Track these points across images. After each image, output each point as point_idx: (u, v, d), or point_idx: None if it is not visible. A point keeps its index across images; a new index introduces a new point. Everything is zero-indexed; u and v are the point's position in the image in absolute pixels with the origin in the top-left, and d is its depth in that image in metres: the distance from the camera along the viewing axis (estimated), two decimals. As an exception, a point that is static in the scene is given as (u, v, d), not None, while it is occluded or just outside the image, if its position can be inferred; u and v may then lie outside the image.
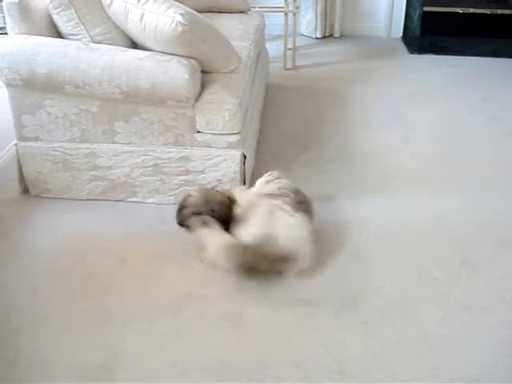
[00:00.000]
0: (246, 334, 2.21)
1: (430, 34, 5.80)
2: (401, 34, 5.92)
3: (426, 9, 5.72)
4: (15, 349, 2.13)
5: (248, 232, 2.40)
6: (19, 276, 2.50)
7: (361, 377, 2.03)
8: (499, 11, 5.69)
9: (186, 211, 2.54)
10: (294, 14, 4.87)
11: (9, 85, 2.75)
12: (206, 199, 2.54)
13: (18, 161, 2.95)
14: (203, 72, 2.83)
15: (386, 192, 3.11)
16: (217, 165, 2.84)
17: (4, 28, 3.17)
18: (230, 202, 2.57)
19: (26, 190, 3.04)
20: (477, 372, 2.04)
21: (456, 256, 2.63)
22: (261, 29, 4.01)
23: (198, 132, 2.78)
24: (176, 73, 2.60)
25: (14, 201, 3.01)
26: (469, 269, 2.55)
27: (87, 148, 2.87)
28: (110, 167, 2.89)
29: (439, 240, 2.72)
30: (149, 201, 2.96)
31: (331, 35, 5.89)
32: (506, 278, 2.49)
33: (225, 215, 2.53)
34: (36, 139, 2.88)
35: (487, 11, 5.65)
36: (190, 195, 2.59)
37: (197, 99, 2.72)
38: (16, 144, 2.92)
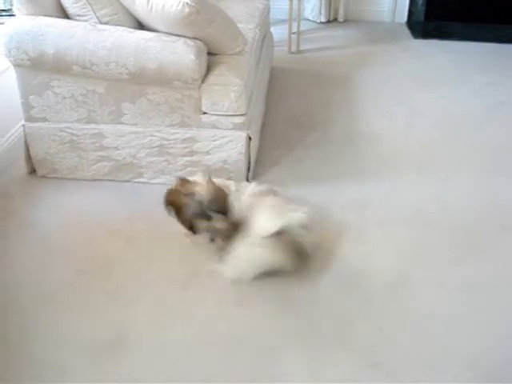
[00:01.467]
0: (252, 310, 2.25)
1: (434, 18, 5.78)
2: (405, 18, 5.90)
3: (431, -6, 5.70)
4: (24, 325, 2.18)
5: (263, 226, 2.33)
6: (27, 254, 2.54)
7: (365, 352, 2.07)
8: (504, -4, 5.67)
9: (191, 207, 2.43)
10: (299, -2, 4.87)
11: (17, 65, 2.77)
12: (215, 198, 2.45)
13: (26, 141, 2.98)
14: (209, 54, 2.85)
15: (388, 175, 3.14)
16: (222, 146, 2.86)
17: (10, 10, 3.18)
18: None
19: (33, 171, 3.07)
20: (475, 350, 2.08)
21: (457, 239, 2.66)
22: (265, 12, 4.02)
23: (204, 113, 2.81)
24: (182, 54, 2.62)
25: (21, 181, 3.05)
26: (470, 252, 2.58)
27: (94, 128, 2.89)
28: (116, 148, 2.92)
29: (441, 223, 2.76)
30: (154, 181, 2.99)
31: (335, 20, 5.88)
32: (507, 262, 2.52)
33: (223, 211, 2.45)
34: (43, 120, 2.90)
35: (492, -4, 5.63)
36: (196, 185, 2.48)
37: (203, 80, 2.75)
38: (24, 125, 2.95)
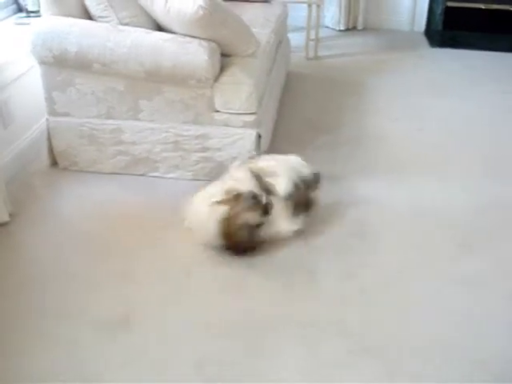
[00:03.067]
0: (250, 297, 2.38)
1: (452, 28, 5.87)
2: (423, 27, 6.01)
3: (450, 4, 5.77)
4: (43, 301, 2.33)
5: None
6: (47, 238, 2.70)
7: (358, 339, 2.18)
8: (522, 8, 5.75)
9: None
10: (318, 6, 5.00)
11: (41, 62, 2.94)
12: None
13: (49, 135, 3.14)
14: (223, 55, 2.99)
15: (395, 176, 3.24)
16: (233, 143, 3.00)
17: (38, 11, 3.35)
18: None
19: (54, 163, 3.23)
20: (471, 341, 2.17)
21: (456, 237, 2.76)
22: (282, 18, 4.16)
23: (217, 111, 2.95)
24: (196, 54, 2.77)
25: (43, 172, 3.22)
26: (467, 249, 2.68)
27: (112, 124, 3.05)
28: (133, 143, 3.08)
29: (442, 222, 2.85)
30: (169, 176, 3.14)
31: (354, 28, 6.01)
32: (502, 258, 2.62)
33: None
34: (65, 115, 3.07)
35: (510, 7, 5.69)
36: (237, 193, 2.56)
37: (216, 80, 2.89)
38: (47, 119, 3.11)
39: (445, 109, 4.14)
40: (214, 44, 2.86)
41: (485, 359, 2.09)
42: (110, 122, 3.05)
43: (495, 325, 2.25)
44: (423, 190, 3.11)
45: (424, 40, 5.75)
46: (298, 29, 5.45)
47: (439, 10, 5.80)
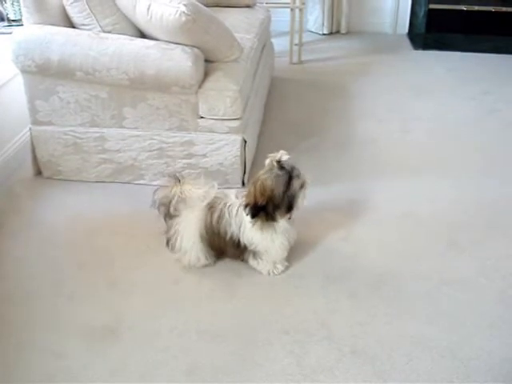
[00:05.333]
0: (240, 304, 2.37)
1: (435, 30, 5.90)
2: (406, 30, 6.05)
3: (432, 6, 5.80)
4: (28, 312, 2.31)
5: None
6: (32, 248, 2.68)
7: (347, 342, 2.17)
8: (503, 9, 5.78)
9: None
10: (300, 10, 5.02)
11: (24, 71, 2.92)
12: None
13: (32, 144, 3.12)
14: (207, 61, 2.99)
15: (382, 178, 3.25)
16: (219, 149, 2.99)
17: (20, 20, 3.34)
18: None
19: (39, 172, 3.21)
20: (457, 341, 2.18)
21: (444, 237, 2.76)
22: (266, 23, 4.16)
23: (201, 117, 2.95)
24: (180, 60, 2.76)
25: (28, 182, 3.20)
26: (455, 249, 2.69)
27: (96, 132, 3.03)
28: (117, 151, 3.06)
29: (430, 223, 2.86)
30: (154, 183, 3.12)
31: (338, 31, 6.03)
32: (490, 258, 2.62)
33: None
34: (49, 123, 3.05)
35: (491, 9, 5.73)
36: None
37: (200, 86, 2.89)
38: (30, 128, 3.09)
39: (429, 110, 4.16)
40: (197, 50, 2.86)
41: (472, 358, 2.09)
42: (94, 130, 3.03)
43: (483, 324, 2.25)
44: (410, 191, 3.12)
45: (407, 42, 5.78)
46: (281, 34, 5.46)
47: (422, 13, 5.83)
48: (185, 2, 2.73)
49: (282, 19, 5.40)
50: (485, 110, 4.17)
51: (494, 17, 5.74)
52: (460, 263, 2.59)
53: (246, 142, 3.01)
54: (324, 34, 5.94)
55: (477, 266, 2.57)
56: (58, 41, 2.83)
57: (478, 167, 3.39)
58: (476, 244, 2.72)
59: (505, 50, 5.46)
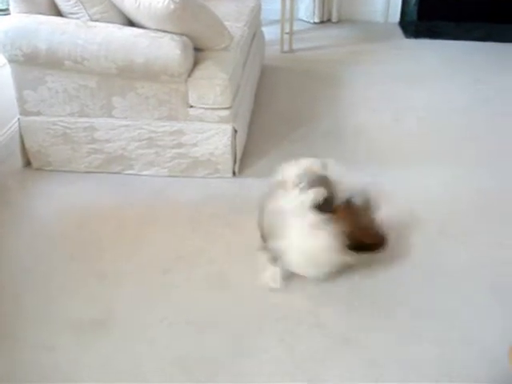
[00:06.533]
0: (231, 294, 2.35)
1: (426, 19, 5.89)
2: (398, 18, 6.03)
3: (423, -6, 5.81)
4: (19, 304, 2.29)
5: None
6: (22, 240, 2.66)
7: (338, 329, 2.17)
8: (495, -4, 5.79)
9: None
10: (291, -1, 5.00)
11: (11, 61, 2.89)
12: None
13: (21, 135, 3.09)
14: (196, 49, 2.96)
15: (373, 167, 3.23)
16: (209, 138, 2.97)
17: (7, 10, 3.30)
18: None
19: (28, 163, 3.18)
20: (448, 329, 2.18)
21: (436, 226, 2.76)
22: (256, 11, 4.13)
23: (191, 106, 2.92)
24: (169, 48, 2.74)
25: (17, 173, 3.17)
26: (446, 237, 2.68)
27: (86, 122, 3.01)
28: (107, 140, 3.04)
29: (422, 211, 2.85)
30: (144, 173, 3.11)
31: (329, 20, 6.01)
32: (480, 247, 2.62)
33: None
34: (37, 114, 3.02)
35: (483, -4, 5.75)
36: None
37: (189, 75, 2.86)
38: (19, 118, 3.06)
39: (421, 99, 4.15)
40: (186, 38, 2.83)
41: (463, 345, 2.09)
42: (83, 120, 3.00)
43: (474, 312, 2.24)
44: (402, 180, 3.10)
45: (399, 31, 5.77)
46: (272, 22, 5.43)
47: (413, 1, 5.82)
48: (173, -10, 2.70)
49: (272, 8, 5.37)
50: (477, 98, 4.17)
51: (486, 4, 5.72)
52: (451, 251, 2.59)
53: (236, 131, 3.00)
54: (315, 23, 5.92)
55: (468, 255, 2.57)
56: (45, 30, 2.80)
57: (469, 156, 3.38)
58: (468, 232, 2.72)
59: (497, 37, 5.45)
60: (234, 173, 3.10)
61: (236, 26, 3.49)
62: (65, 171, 3.14)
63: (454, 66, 4.82)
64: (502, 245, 2.63)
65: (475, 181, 3.12)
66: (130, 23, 2.96)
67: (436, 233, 2.71)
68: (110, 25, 2.86)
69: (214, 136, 2.96)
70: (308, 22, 5.92)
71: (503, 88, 4.34)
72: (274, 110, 3.94)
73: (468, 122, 3.81)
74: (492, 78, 4.53)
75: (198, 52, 2.98)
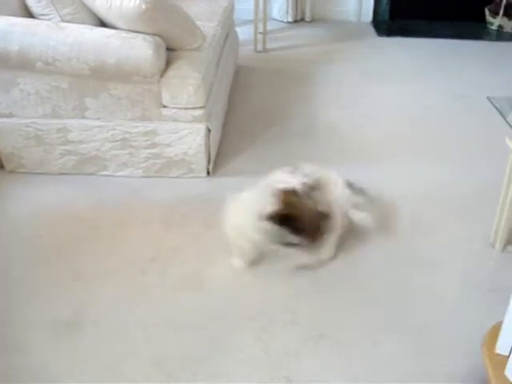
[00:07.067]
0: (207, 294, 2.36)
1: (398, 17, 5.96)
2: (370, 18, 6.07)
3: (396, -7, 5.87)
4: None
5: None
6: (-5, 244, 2.64)
7: (313, 326, 2.19)
8: (466, -5, 5.86)
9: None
10: (264, -1, 5.01)
11: (-18, 63, 2.87)
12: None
13: (-7, 137, 3.08)
14: (169, 49, 2.96)
15: (345, 164, 3.23)
16: (182, 138, 2.98)
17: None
18: None
19: (1, 166, 3.16)
20: (421, 321, 2.22)
21: (407, 220, 2.80)
22: (229, 11, 4.14)
23: (164, 107, 2.92)
24: (140, 49, 2.74)
25: (-11, 176, 3.15)
26: (419, 231, 2.73)
27: (59, 123, 2.99)
28: (80, 142, 3.03)
29: (392, 206, 2.88)
30: (119, 174, 3.10)
31: (302, 19, 6.03)
32: (453, 240, 2.67)
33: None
34: (9, 116, 3.00)
35: (454, -5, 5.82)
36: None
37: (162, 75, 2.86)
38: (-10, 121, 3.04)
39: (393, 96, 4.19)
40: (158, 38, 2.83)
41: (436, 337, 2.13)
42: (56, 121, 2.99)
43: (447, 305, 2.28)
44: (373, 177, 3.11)
45: (371, 30, 5.81)
46: (245, 22, 5.44)
47: (385, 0, 5.87)
48: (144, -10, 2.70)
49: (246, 7, 5.37)
50: (448, 95, 4.22)
51: (456, 3, 5.79)
52: (423, 245, 2.62)
53: (210, 130, 3.00)
54: (289, 22, 5.94)
55: (440, 248, 2.61)
56: (16, 31, 2.78)
57: (440, 151, 3.43)
58: (439, 226, 2.76)
59: (467, 35, 5.53)
60: (208, 172, 3.11)
61: (209, 26, 3.49)
62: (38, 173, 3.13)
63: (426, 63, 4.88)
64: (472, 238, 2.67)
65: (446, 176, 3.17)
66: (102, 24, 2.96)
67: (410, 226, 2.74)
68: (82, 26, 2.85)
69: (187, 136, 2.97)
70: (282, 22, 5.94)
71: (473, 84, 4.39)
72: (248, 109, 3.95)
73: (439, 118, 3.86)
74: (463, 75, 4.59)
75: (170, 52, 2.98)
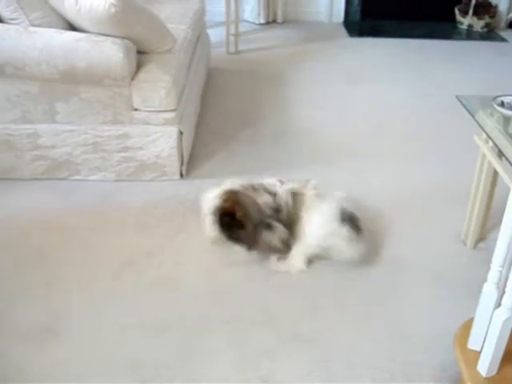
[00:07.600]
0: (182, 296, 2.36)
1: (370, 18, 6.01)
2: (342, 18, 6.11)
3: (366, -6, 5.92)
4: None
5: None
6: (-35, 250, 2.61)
7: (287, 327, 2.20)
8: (435, -5, 5.93)
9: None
10: (236, 0, 5.00)
11: (-50, 69, 2.84)
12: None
13: (-37, 143, 3.04)
14: (140, 52, 2.96)
15: (317, 165, 3.27)
16: (155, 141, 2.97)
17: None
18: None
19: (-29, 172, 3.13)
20: (395, 321, 2.24)
21: (378, 220, 2.81)
22: (200, 13, 4.14)
23: (136, 110, 2.92)
24: (110, 52, 2.73)
25: (-41, 182, 3.11)
26: (390, 231, 2.74)
27: (29, 128, 2.97)
28: (52, 146, 3.00)
29: (368, 207, 2.89)
30: (91, 178, 3.08)
31: (274, 21, 6.05)
32: (424, 240, 2.70)
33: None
34: (-21, 121, 2.97)
35: (424, -5, 5.89)
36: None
37: (133, 78, 2.86)
38: (-40, 127, 3.01)
39: (364, 96, 4.22)
40: (128, 41, 2.82)
41: (410, 337, 2.15)
42: (27, 126, 2.96)
43: (419, 304, 2.30)
44: (345, 177, 3.16)
45: (343, 30, 5.85)
46: (217, 24, 5.45)
47: (357, 1, 5.91)
48: (114, -7, 2.69)
49: (217, 9, 5.38)
50: (419, 94, 4.26)
51: (427, 3, 5.86)
52: (394, 244, 2.64)
53: (182, 133, 3.00)
54: (260, 24, 5.96)
55: (413, 246, 2.63)
56: (-16, 36, 2.76)
57: (411, 151, 3.47)
58: (410, 225, 2.78)
59: (437, 35, 5.60)
60: (181, 175, 3.10)
61: (179, 28, 3.49)
62: (9, 178, 3.09)
63: (397, 63, 4.92)
64: (443, 238, 2.70)
65: (417, 174, 3.20)
66: (72, 28, 2.94)
67: (381, 227, 2.76)
68: (51, 30, 2.83)
69: (159, 138, 2.96)
70: (253, 23, 5.96)
71: (443, 84, 4.44)
72: (221, 111, 3.95)
73: (410, 117, 3.91)
74: (433, 74, 4.65)
75: (141, 55, 2.98)
